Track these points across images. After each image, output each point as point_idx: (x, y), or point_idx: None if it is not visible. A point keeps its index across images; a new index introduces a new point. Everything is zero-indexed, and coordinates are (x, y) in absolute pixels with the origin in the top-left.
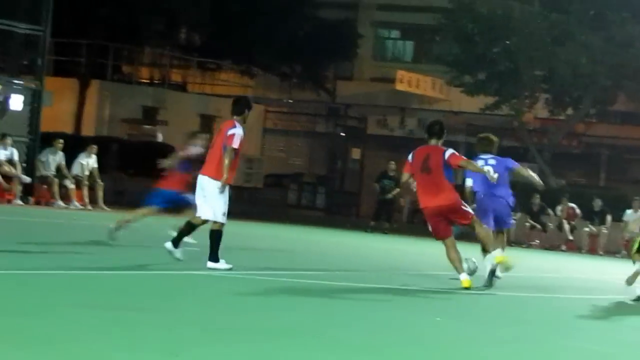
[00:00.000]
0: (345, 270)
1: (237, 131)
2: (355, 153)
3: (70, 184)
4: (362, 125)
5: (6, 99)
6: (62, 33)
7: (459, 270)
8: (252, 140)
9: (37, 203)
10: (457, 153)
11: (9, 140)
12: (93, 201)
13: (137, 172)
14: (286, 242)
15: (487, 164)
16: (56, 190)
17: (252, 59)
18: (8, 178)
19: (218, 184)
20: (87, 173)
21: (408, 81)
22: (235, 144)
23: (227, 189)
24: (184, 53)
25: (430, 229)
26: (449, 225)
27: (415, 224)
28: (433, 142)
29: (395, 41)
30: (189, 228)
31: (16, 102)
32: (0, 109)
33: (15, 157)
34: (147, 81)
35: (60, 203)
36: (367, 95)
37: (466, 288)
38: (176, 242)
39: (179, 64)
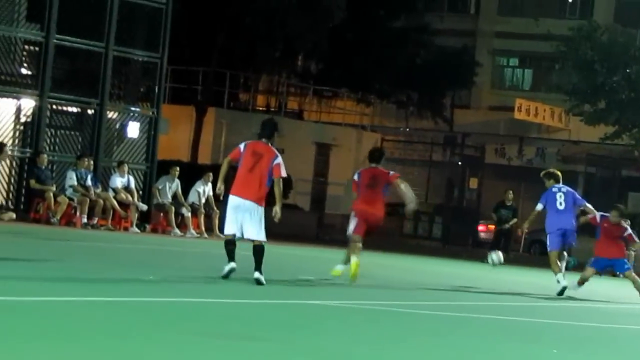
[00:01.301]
0: (459, 301)
1: (281, 160)
2: (473, 182)
3: (186, 212)
4: (479, 154)
5: (123, 127)
6: (179, 60)
7: (350, 258)
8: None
9: (154, 231)
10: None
11: (125, 168)
12: (209, 229)
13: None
14: (402, 272)
15: (560, 191)
16: (172, 218)
17: (369, 87)
18: (125, 205)
19: (262, 209)
20: (203, 201)
21: (527, 110)
22: (284, 173)
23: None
24: (300, 80)
25: (356, 224)
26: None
27: (532, 254)
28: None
29: (514, 69)
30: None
31: (133, 129)
32: (117, 136)
33: (132, 184)
34: (264, 109)
35: (177, 231)
36: (485, 123)
37: (336, 276)
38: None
39: (295, 91)
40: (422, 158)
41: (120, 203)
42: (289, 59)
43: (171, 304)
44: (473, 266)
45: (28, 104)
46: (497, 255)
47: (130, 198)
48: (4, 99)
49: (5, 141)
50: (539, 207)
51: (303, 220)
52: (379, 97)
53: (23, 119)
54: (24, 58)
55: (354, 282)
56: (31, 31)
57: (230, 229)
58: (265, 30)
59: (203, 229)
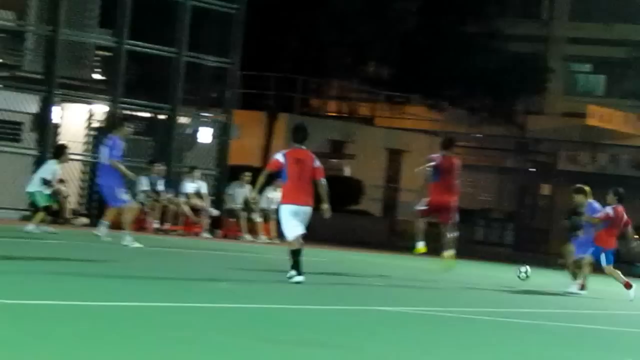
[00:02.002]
0: (531, 308)
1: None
2: (545, 189)
3: (257, 218)
4: (552, 160)
5: (195, 132)
6: (251, 66)
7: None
8: None
9: (225, 236)
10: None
11: (197, 173)
12: (280, 235)
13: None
14: (472, 279)
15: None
16: (243, 224)
17: (441, 93)
18: (196, 211)
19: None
20: (273, 206)
21: (600, 116)
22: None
23: None
24: (371, 86)
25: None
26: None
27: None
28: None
29: (587, 75)
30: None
31: (204, 134)
32: (189, 141)
33: (204, 190)
34: (335, 114)
35: (247, 236)
36: (557, 129)
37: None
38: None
39: (367, 97)
40: (493, 164)
41: (191, 208)
42: (361, 65)
43: (242, 310)
44: (544, 273)
45: (100, 110)
46: None
47: (201, 203)
48: (76, 105)
49: (76, 146)
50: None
51: (374, 226)
52: (450, 103)
53: (95, 125)
54: (96, 63)
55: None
56: (103, 37)
57: (297, 230)
58: (337, 36)
59: (274, 234)
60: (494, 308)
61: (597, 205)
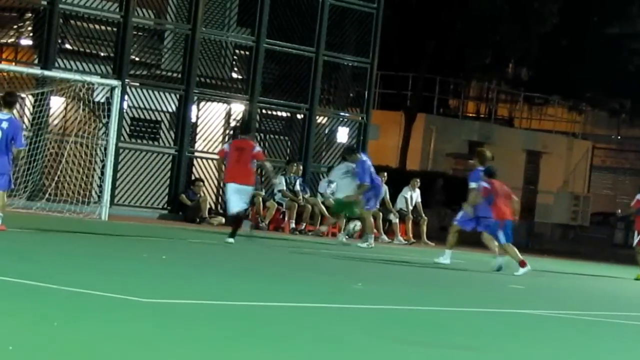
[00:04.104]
0: None
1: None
2: None
3: (394, 218)
4: None
5: (332, 132)
6: (389, 66)
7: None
8: (578, 178)
9: (360, 237)
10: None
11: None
12: (416, 236)
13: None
14: (613, 283)
15: None
16: (380, 225)
17: (581, 94)
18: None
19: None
20: (411, 207)
21: None
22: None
23: None
24: (511, 87)
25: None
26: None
27: None
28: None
29: None
30: None
31: (342, 134)
32: (326, 141)
33: None
34: (473, 115)
35: (384, 237)
36: None
37: None
38: None
39: (506, 98)
40: (634, 167)
41: (328, 209)
42: (500, 66)
43: (379, 311)
44: None
45: (238, 109)
46: None
47: None
48: (215, 103)
49: (215, 145)
50: None
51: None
52: (590, 104)
53: (233, 123)
54: (234, 62)
55: None
56: (242, 36)
57: (238, 205)
58: (476, 37)
59: (411, 235)
60: (633, 312)
61: None
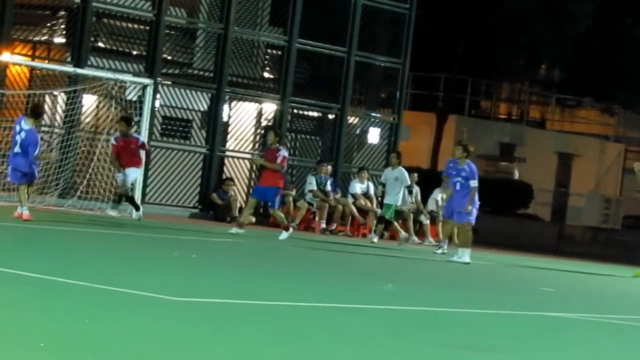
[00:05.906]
0: None
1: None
2: None
3: (425, 220)
4: None
5: (364, 132)
6: (421, 67)
7: None
8: (610, 180)
9: (392, 238)
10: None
11: (365, 174)
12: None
13: (493, 210)
14: None
15: None
16: (411, 226)
17: (613, 97)
18: (364, 212)
19: None
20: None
21: None
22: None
23: None
24: (543, 89)
25: None
26: None
27: None
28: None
29: None
30: None
31: (374, 135)
32: (357, 142)
33: (372, 190)
34: (505, 117)
35: (415, 238)
36: None
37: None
38: None
39: (538, 100)
40: None
41: (359, 209)
42: (532, 67)
43: (406, 312)
44: None
45: (269, 108)
46: None
47: (369, 204)
48: (246, 103)
49: (246, 144)
50: None
51: (543, 230)
52: (623, 107)
53: (264, 123)
54: (266, 62)
55: None
56: (274, 35)
57: (125, 184)
58: (508, 38)
59: (441, 237)
60: None
61: None
